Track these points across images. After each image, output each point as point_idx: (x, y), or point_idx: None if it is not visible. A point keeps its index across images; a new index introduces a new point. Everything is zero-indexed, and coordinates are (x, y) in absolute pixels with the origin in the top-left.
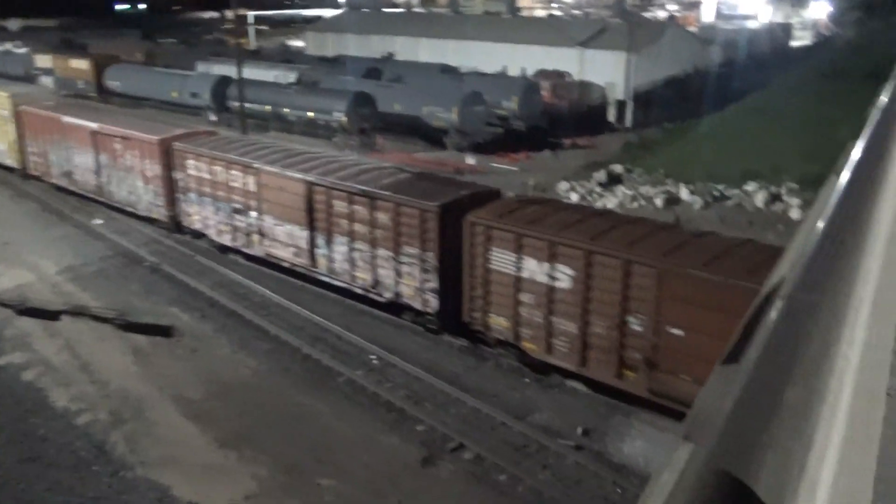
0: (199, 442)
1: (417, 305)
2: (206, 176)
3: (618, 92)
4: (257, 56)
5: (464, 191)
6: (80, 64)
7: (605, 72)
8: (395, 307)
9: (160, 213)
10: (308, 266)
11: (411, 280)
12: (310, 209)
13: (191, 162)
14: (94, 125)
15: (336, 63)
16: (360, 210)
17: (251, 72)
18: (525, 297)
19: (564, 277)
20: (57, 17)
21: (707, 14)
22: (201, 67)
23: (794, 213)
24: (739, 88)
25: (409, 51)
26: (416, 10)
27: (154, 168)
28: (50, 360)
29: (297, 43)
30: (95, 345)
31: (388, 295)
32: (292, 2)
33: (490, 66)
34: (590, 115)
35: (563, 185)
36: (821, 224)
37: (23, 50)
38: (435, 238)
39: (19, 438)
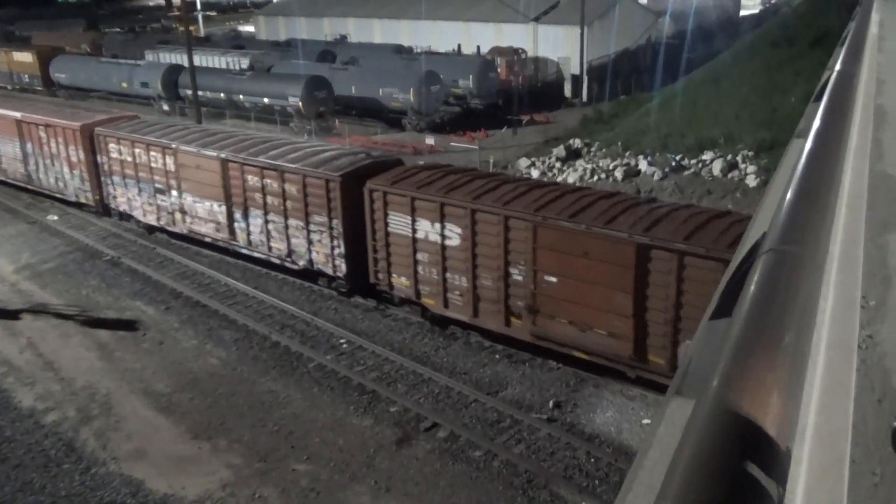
0: (171, 434)
1: (329, 271)
2: (129, 159)
3: (573, 66)
4: (207, 43)
5: (366, 160)
6: (24, 57)
7: (559, 47)
8: (310, 274)
9: (87, 197)
10: (228, 240)
11: (322, 247)
12: (226, 185)
13: (113, 146)
14: (18, 114)
15: (288, 47)
16: (272, 183)
17: (202, 59)
18: (421, 257)
19: (454, 235)
20: None
21: None
22: (150, 56)
23: (751, 181)
24: (691, 59)
25: (363, 32)
26: None
27: (79, 153)
28: (12, 360)
29: (248, 28)
30: (59, 342)
31: (301, 262)
32: None
33: (444, 45)
34: (546, 90)
35: (523, 162)
36: (794, 181)
37: None
38: (339, 206)
39: None
